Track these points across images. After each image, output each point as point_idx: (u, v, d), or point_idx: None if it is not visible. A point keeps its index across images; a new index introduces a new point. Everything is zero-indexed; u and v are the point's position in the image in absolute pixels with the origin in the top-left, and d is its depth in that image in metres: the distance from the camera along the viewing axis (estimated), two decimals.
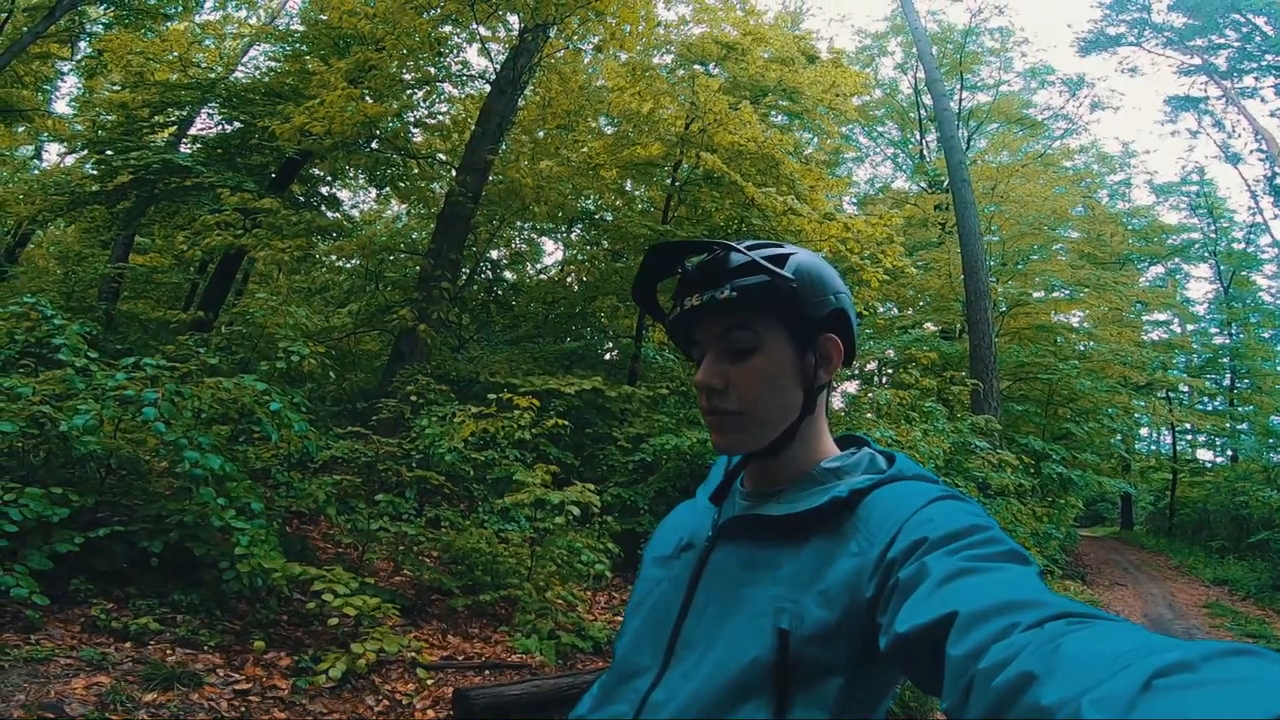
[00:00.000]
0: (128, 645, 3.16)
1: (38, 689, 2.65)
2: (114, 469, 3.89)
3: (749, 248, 0.81)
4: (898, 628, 0.57)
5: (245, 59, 12.19)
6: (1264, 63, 19.36)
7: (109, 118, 10.06)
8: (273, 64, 10.56)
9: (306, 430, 3.94)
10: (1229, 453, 20.95)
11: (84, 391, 3.55)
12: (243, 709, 2.98)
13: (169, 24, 10.99)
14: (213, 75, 10.06)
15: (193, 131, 10.69)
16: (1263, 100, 19.56)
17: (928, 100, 17.46)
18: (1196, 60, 20.65)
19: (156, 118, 9.77)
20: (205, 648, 3.32)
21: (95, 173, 9.03)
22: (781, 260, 0.81)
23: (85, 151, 10.09)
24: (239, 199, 7.40)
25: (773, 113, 11.13)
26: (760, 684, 0.69)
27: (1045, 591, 0.53)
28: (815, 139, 15.00)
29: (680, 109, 8.26)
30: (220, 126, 10.06)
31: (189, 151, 9.51)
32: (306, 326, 4.94)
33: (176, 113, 9.99)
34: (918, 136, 20.92)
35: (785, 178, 8.16)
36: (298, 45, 9.99)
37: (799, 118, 11.50)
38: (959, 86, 19.61)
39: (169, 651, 3.19)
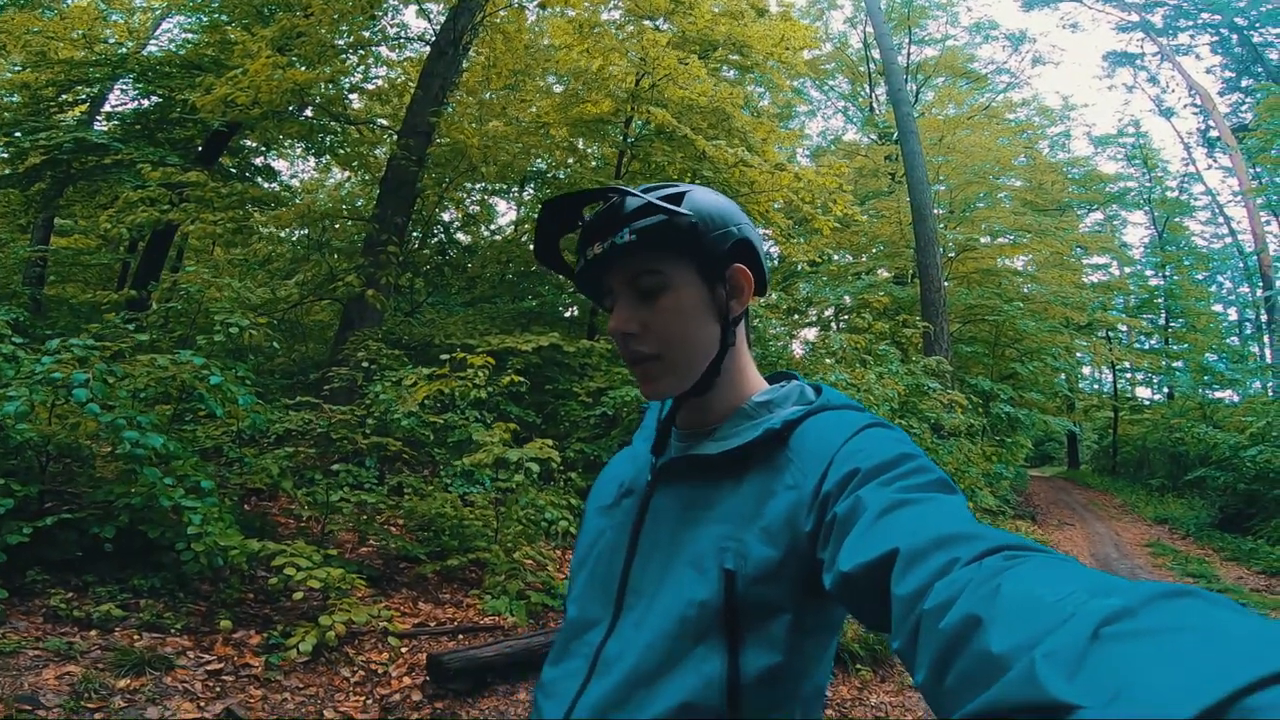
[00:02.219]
0: (93, 633, 3.10)
1: (10, 681, 2.61)
2: (54, 456, 3.73)
3: (644, 190, 0.79)
4: (841, 566, 0.57)
5: (158, 32, 11.51)
6: (1199, 21, 20.01)
7: (14, 99, 9.41)
8: (189, 35, 9.97)
9: (252, 403, 3.81)
10: (1166, 390, 22.08)
11: (14, 378, 3.37)
12: (217, 689, 2.95)
13: (69, 1, 10.21)
14: (123, 50, 9.44)
15: (107, 108, 10.12)
16: (1197, 57, 20.48)
17: (877, 54, 17.54)
18: (1134, 17, 21.23)
19: (64, 96, 9.22)
20: (172, 630, 3.26)
21: (5, 155, 8.48)
22: (678, 199, 0.79)
23: None
24: (162, 174, 7.02)
25: (723, 67, 10.99)
26: (710, 626, 0.69)
27: (976, 522, 0.54)
28: (767, 93, 14.92)
29: (630, 65, 8.10)
30: (136, 102, 9.51)
31: (104, 129, 8.98)
32: (249, 299, 4.75)
33: (86, 90, 9.40)
34: (867, 90, 21.04)
35: (737, 131, 8.12)
36: (216, 15, 9.44)
37: (750, 71, 11.39)
38: (907, 41, 19.73)
39: (136, 637, 3.13)
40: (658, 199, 0.77)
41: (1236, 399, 18.52)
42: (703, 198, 0.80)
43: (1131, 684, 0.30)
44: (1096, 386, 26.79)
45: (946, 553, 0.49)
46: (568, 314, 11.07)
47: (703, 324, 0.79)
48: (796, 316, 13.95)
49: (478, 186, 11.70)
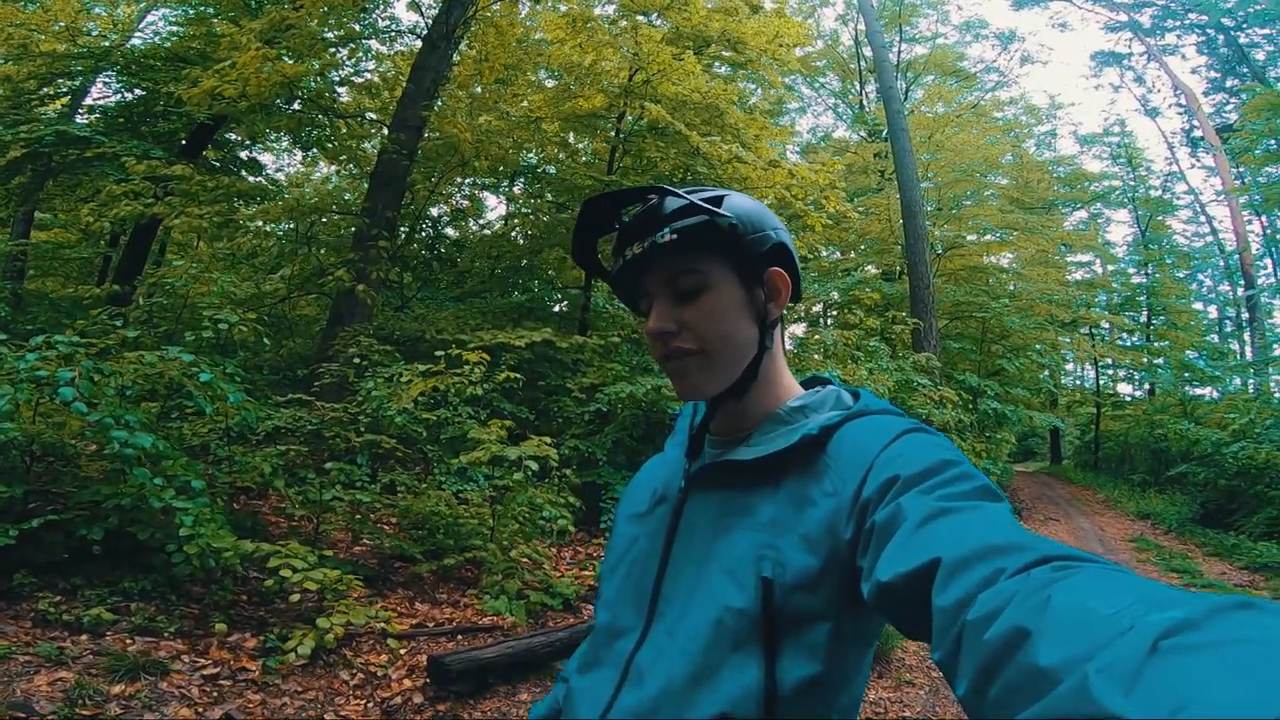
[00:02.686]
0: (84, 638, 3.03)
1: (2, 688, 2.55)
2: (38, 455, 3.64)
3: (686, 192, 0.79)
4: (880, 576, 0.56)
5: (143, 25, 11.33)
6: (1186, 21, 20.29)
7: None
8: (175, 29, 9.83)
9: (242, 400, 3.74)
10: (1147, 386, 22.39)
11: None
12: (215, 694, 2.89)
13: None
14: (106, 43, 9.29)
15: (89, 101, 9.98)
16: (1183, 57, 20.79)
17: (868, 52, 17.63)
18: (1123, 17, 21.50)
19: (46, 89, 9.11)
20: (165, 634, 3.20)
21: None
22: (717, 201, 0.79)
23: None
24: (146, 167, 6.91)
25: (716, 63, 10.98)
26: (747, 635, 0.67)
27: (1023, 531, 0.52)
28: (759, 89, 14.93)
29: (623, 60, 8.06)
30: (120, 95, 9.40)
31: (86, 122, 8.85)
32: (235, 294, 4.64)
33: (68, 83, 9.29)
34: (858, 87, 21.15)
35: (730, 127, 8.12)
36: (201, 8, 9.31)
37: (742, 68, 11.38)
38: (898, 39, 19.83)
39: (128, 641, 3.07)
40: (698, 200, 0.77)
41: (1217, 395, 18.82)
42: (740, 201, 0.81)
43: (1193, 699, 0.28)
44: (1079, 382, 27.14)
45: (991, 563, 0.47)
46: (557, 309, 11.03)
47: (741, 325, 0.79)
48: (787, 312, 13.99)
49: (467, 181, 11.61)
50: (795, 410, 0.80)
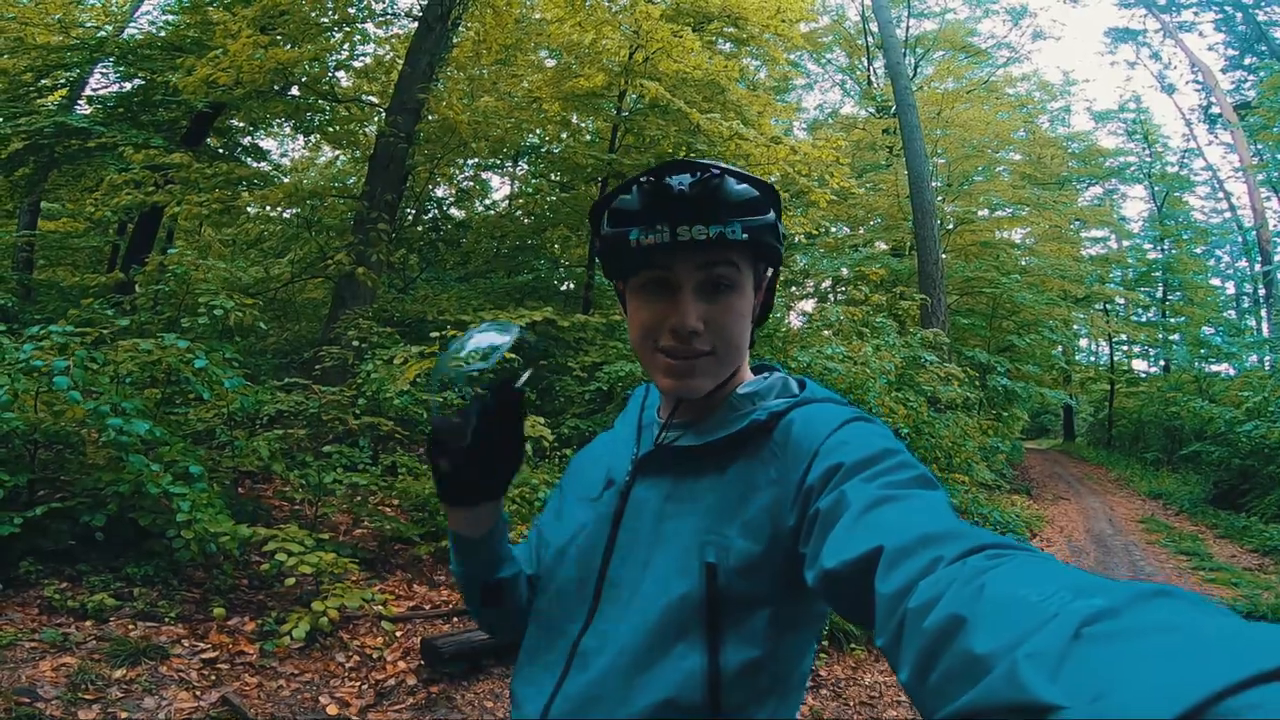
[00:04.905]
0: (88, 624, 3.08)
1: (8, 674, 2.60)
2: (43, 444, 3.69)
3: (740, 179, 0.74)
4: (825, 563, 0.57)
5: (137, 15, 11.32)
6: None
7: None
8: (169, 18, 9.84)
9: (240, 385, 3.76)
10: (1162, 363, 22.11)
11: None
12: (213, 677, 2.93)
13: None
14: (101, 34, 9.30)
15: (88, 92, 10.04)
16: (1200, 34, 20.42)
17: (874, 27, 17.25)
18: None
19: (43, 82, 9.18)
20: (166, 619, 3.25)
21: None
22: (772, 193, 0.76)
23: None
24: (145, 156, 6.94)
25: (718, 40, 10.80)
26: (691, 621, 0.68)
27: (959, 520, 0.54)
28: (764, 66, 14.70)
29: (623, 38, 7.95)
30: (118, 85, 9.46)
31: (86, 113, 8.90)
32: (240, 279, 4.67)
33: (65, 75, 9.34)
34: (865, 63, 20.75)
35: (732, 104, 8.03)
36: None
37: (745, 44, 11.20)
38: (905, 14, 19.42)
39: (131, 626, 3.12)
40: (758, 195, 0.74)
41: (1233, 372, 18.50)
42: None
43: (1113, 685, 0.30)
44: (1093, 359, 26.83)
45: (930, 551, 0.49)
46: (563, 288, 11.04)
47: (747, 328, 0.79)
48: (794, 289, 13.92)
49: (470, 162, 11.59)
50: (744, 397, 0.79)
